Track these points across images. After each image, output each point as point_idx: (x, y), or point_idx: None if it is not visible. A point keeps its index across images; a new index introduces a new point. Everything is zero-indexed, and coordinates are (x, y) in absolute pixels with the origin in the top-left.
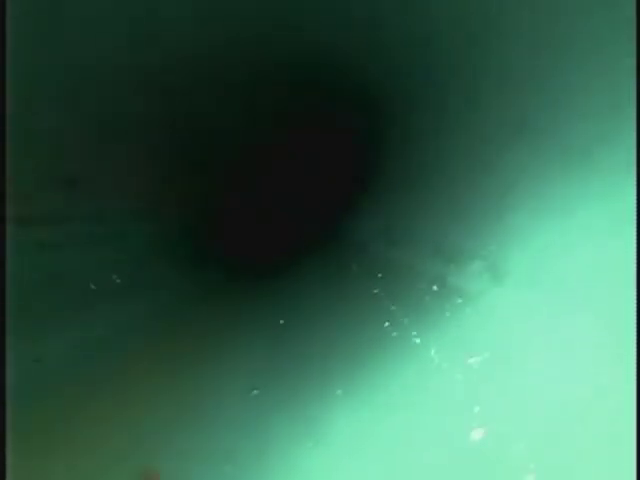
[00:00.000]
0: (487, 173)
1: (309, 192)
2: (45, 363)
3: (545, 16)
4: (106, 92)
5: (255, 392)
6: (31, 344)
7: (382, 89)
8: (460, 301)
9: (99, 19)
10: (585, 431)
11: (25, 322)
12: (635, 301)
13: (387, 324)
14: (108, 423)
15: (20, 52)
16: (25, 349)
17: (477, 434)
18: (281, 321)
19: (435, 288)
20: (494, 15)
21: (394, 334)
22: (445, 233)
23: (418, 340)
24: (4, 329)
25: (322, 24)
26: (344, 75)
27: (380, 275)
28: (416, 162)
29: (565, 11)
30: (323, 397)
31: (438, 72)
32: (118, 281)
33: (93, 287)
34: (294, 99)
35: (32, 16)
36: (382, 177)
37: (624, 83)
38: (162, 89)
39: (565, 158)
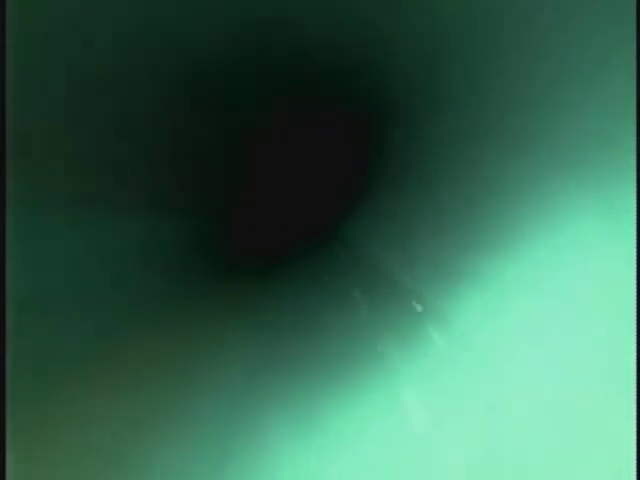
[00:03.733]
0: (488, 184)
1: (309, 192)
2: (46, 351)
3: (547, 21)
4: (111, 92)
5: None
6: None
7: (385, 92)
8: (453, 310)
9: (100, 19)
10: (585, 438)
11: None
12: (635, 305)
13: (373, 329)
14: (107, 413)
15: (20, 52)
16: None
17: (472, 438)
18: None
19: (429, 296)
20: (495, 22)
21: (383, 337)
22: (444, 238)
23: (409, 346)
24: (4, 327)
25: (325, 23)
26: (348, 77)
27: (373, 281)
28: (417, 169)
29: (565, 16)
30: (316, 393)
31: (441, 77)
32: (121, 267)
33: (96, 273)
34: (296, 100)
35: (32, 16)
36: (381, 181)
37: (624, 86)
38: (165, 91)
39: (565, 163)
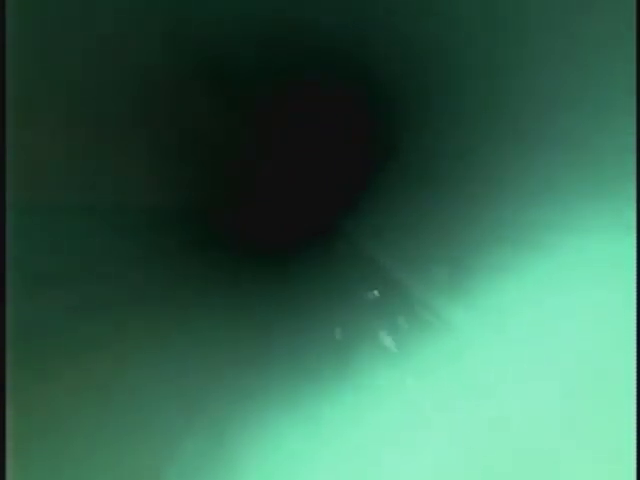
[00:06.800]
0: (493, 183)
1: (310, 190)
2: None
3: (548, 18)
4: (111, 89)
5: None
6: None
7: (386, 90)
8: (452, 311)
9: (99, 18)
10: (587, 439)
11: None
12: (635, 304)
13: (375, 325)
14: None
15: (20, 52)
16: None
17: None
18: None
19: (426, 293)
20: (498, 20)
21: (383, 335)
22: (442, 236)
23: (405, 344)
24: (4, 327)
25: (338, 22)
26: (349, 74)
27: (373, 278)
28: (418, 165)
29: (567, 13)
30: (318, 388)
31: (442, 76)
32: (122, 252)
33: (94, 256)
34: (296, 96)
35: (32, 16)
36: (382, 178)
37: (624, 88)
38: (167, 87)
39: (566, 162)
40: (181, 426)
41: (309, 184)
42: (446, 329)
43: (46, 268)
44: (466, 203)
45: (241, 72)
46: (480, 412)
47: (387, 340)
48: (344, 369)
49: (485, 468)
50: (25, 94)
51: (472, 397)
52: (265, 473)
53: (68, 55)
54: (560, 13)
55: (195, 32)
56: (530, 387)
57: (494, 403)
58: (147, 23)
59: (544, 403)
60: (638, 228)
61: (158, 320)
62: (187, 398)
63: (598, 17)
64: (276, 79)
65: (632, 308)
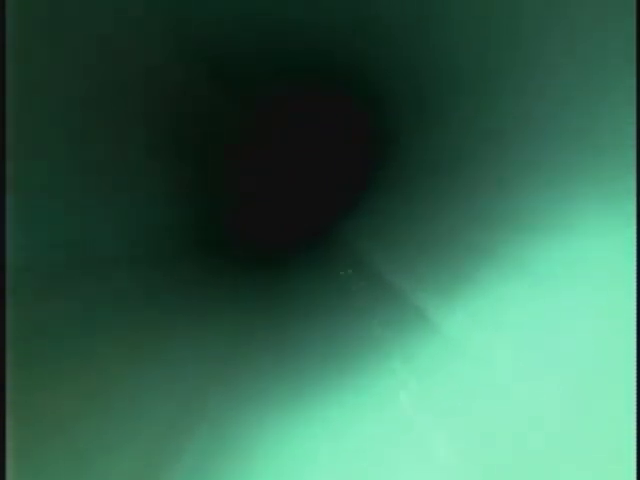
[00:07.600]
0: (492, 185)
1: (309, 190)
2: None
3: (548, 17)
4: (111, 89)
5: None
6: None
7: (384, 89)
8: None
9: (100, 18)
10: (585, 443)
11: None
12: (635, 302)
13: (374, 327)
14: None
15: (20, 53)
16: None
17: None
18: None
19: (425, 295)
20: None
21: (382, 336)
22: (442, 236)
23: (403, 347)
24: (4, 328)
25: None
26: (348, 73)
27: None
28: (417, 165)
29: (565, 12)
30: (315, 389)
31: (441, 72)
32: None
33: (95, 258)
34: (295, 96)
35: (32, 16)
36: (381, 179)
37: (624, 89)
38: (167, 87)
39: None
40: (182, 429)
41: (308, 184)
42: (446, 329)
43: (47, 268)
44: (466, 203)
45: (241, 72)
46: (480, 413)
47: (387, 342)
48: (343, 370)
49: (486, 468)
50: (25, 93)
51: (472, 398)
52: (266, 474)
53: (67, 55)
54: (560, 12)
55: (195, 32)
56: (530, 387)
57: (494, 404)
58: (147, 23)
59: (543, 403)
60: (638, 227)
61: (158, 323)
62: (187, 401)
63: (597, 17)
64: (276, 79)
65: (632, 308)
